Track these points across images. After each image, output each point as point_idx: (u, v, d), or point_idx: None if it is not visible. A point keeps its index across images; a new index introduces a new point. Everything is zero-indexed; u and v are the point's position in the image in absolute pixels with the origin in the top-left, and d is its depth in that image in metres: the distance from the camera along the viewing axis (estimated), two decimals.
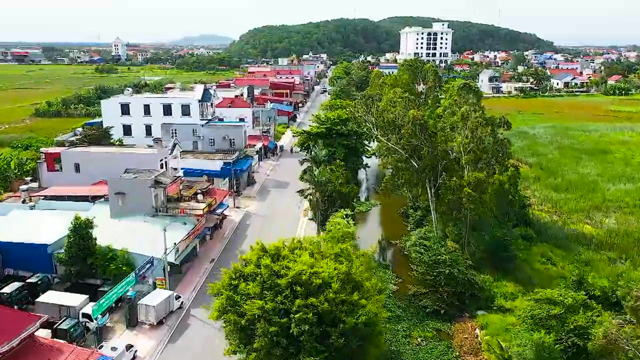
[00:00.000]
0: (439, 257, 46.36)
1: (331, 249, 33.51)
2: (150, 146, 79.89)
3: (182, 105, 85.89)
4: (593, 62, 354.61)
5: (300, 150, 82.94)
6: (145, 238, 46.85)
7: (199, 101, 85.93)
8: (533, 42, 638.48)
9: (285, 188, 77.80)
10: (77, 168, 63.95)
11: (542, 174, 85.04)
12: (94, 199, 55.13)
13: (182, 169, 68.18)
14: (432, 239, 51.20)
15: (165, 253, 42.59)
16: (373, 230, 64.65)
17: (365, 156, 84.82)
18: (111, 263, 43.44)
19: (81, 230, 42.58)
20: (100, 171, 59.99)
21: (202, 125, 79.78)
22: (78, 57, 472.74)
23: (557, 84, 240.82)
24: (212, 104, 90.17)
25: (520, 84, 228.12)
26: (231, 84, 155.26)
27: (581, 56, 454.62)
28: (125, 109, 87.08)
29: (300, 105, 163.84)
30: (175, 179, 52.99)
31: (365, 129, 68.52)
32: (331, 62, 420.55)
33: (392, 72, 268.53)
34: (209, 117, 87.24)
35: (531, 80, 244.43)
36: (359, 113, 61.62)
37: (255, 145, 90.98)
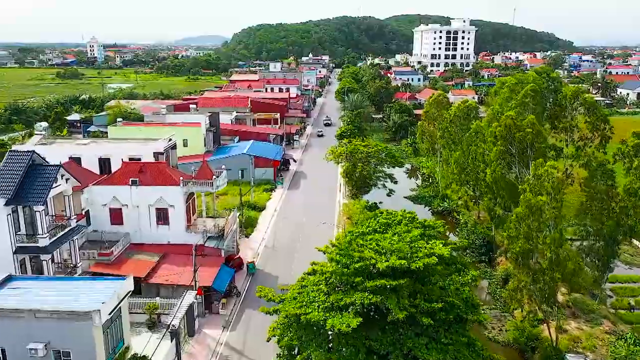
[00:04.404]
0: None
1: None
2: None
3: None
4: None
5: None
6: None
7: (7, 203, 31.70)
8: (552, 42, 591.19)
9: None
10: None
11: None
12: None
13: None
14: None
15: None
16: None
17: None
18: None
19: None
20: None
21: None
22: (49, 60, 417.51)
23: (627, 95, 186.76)
24: (53, 190, 35.60)
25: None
26: (192, 107, 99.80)
27: (605, 57, 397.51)
28: None
29: (296, 135, 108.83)
30: None
31: None
32: (334, 65, 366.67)
33: (415, 80, 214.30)
34: (50, 238, 33.04)
35: (592, 90, 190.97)
36: None
37: (179, 302, 36.67)
